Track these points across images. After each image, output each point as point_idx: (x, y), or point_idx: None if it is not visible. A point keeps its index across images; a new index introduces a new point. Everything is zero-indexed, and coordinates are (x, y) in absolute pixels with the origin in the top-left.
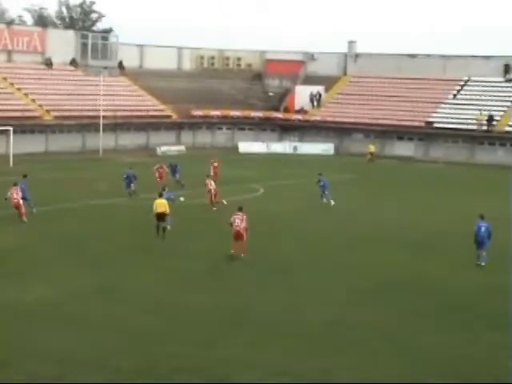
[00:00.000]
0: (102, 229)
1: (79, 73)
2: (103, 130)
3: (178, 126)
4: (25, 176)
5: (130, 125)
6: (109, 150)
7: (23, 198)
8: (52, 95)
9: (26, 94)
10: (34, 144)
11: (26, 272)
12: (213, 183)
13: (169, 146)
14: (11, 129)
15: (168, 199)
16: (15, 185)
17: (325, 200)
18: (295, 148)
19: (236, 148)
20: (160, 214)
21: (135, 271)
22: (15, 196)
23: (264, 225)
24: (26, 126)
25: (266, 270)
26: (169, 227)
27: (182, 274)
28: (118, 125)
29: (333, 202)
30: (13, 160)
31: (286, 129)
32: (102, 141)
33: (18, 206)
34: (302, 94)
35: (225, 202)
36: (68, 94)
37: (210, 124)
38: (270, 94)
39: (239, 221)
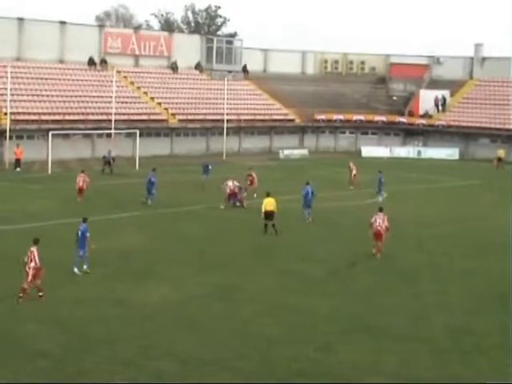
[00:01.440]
0: (222, 231)
1: (204, 77)
2: (227, 133)
3: (301, 130)
4: (154, 170)
5: (254, 128)
6: (232, 153)
7: (148, 190)
8: (177, 99)
9: (152, 98)
10: (160, 147)
11: (152, 272)
12: (230, 183)
13: (292, 149)
14: (137, 132)
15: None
16: (83, 172)
17: (380, 198)
18: (419, 153)
19: (359, 152)
20: (268, 212)
21: (255, 273)
22: (81, 183)
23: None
24: (151, 129)
25: (389, 275)
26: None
27: (302, 277)
28: (241, 128)
29: (380, 199)
30: (139, 162)
31: (409, 133)
32: (226, 144)
33: (81, 190)
34: (426, 98)
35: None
36: (193, 98)
37: (333, 128)
38: (394, 97)
39: (380, 220)
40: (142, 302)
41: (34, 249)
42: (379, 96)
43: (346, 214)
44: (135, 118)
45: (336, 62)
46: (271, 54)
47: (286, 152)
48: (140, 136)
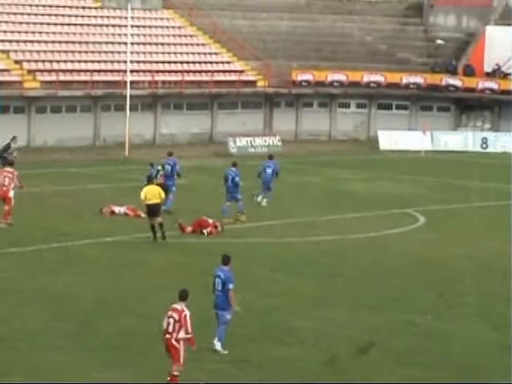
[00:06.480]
0: (129, 288)
1: (90, 4)
2: (132, 108)
3: (268, 101)
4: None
5: (182, 98)
6: (142, 143)
7: None
8: (39, 44)
9: None
10: (7, 132)
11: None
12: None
13: (251, 137)
14: None
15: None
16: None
17: (259, 198)
18: (485, 142)
19: (374, 141)
20: (151, 206)
21: (196, 362)
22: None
23: (424, 281)
24: None
25: (430, 365)
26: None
27: (282, 371)
28: (158, 98)
29: (264, 202)
30: None
31: (467, 107)
32: (130, 128)
33: (5, 197)
34: (497, 43)
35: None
36: (68, 42)
37: (327, 97)
38: (439, 41)
39: None
40: None
41: (182, 307)
42: (411, 39)
43: (350, 256)
44: None
45: None
46: None
47: (241, 142)
48: None
